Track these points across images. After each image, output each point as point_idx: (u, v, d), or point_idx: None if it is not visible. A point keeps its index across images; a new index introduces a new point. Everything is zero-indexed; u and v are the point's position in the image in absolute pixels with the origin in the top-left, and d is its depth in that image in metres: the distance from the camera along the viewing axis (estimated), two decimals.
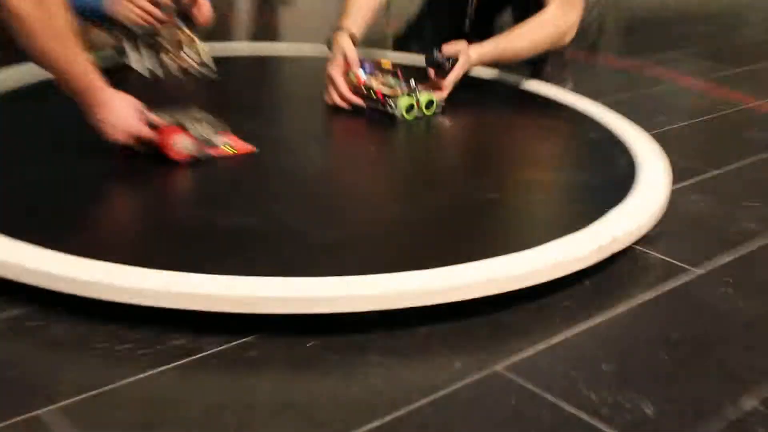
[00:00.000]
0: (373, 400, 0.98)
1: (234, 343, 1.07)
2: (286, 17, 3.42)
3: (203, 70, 2.07)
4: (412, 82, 1.87)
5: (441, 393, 1.00)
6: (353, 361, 1.06)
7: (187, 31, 2.07)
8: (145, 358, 1.03)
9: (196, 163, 1.50)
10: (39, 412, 0.92)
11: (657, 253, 1.37)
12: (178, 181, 1.48)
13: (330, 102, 1.87)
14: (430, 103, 1.86)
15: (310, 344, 1.07)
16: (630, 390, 1.02)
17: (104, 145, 1.47)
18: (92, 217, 1.31)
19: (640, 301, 1.23)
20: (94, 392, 0.96)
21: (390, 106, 1.82)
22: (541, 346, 1.10)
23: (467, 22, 2.24)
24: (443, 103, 1.89)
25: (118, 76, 1.86)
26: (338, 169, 1.58)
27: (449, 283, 1.12)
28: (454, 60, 1.90)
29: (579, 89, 2.23)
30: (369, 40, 2.82)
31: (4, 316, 1.10)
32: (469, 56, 1.92)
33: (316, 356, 1.06)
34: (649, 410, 0.98)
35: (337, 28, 1.95)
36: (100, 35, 2.17)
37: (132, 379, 0.99)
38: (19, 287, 1.11)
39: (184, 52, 2.06)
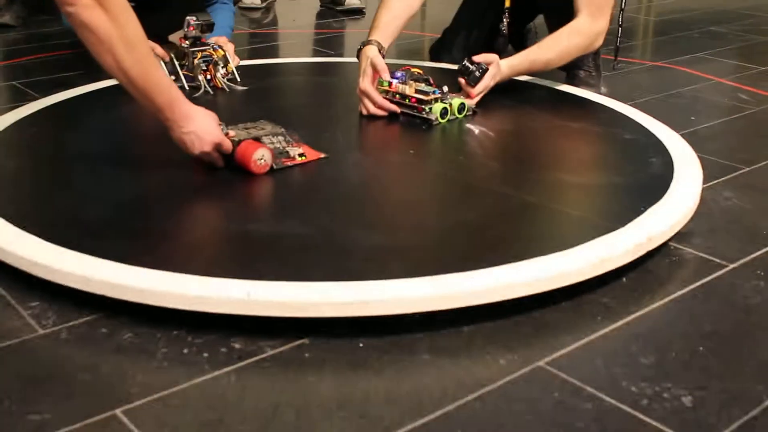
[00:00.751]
0: (424, 396, 1.04)
1: (289, 345, 1.13)
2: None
3: (232, 84, 2.16)
4: (445, 87, 1.93)
5: (487, 388, 1.05)
6: (403, 359, 1.11)
7: (217, 48, 2.16)
8: (207, 361, 1.10)
9: (272, 172, 1.58)
10: (114, 411, 0.99)
11: (691, 249, 1.42)
12: (255, 191, 1.56)
13: (366, 113, 1.93)
14: (462, 107, 1.92)
15: (362, 345, 1.13)
16: (668, 382, 1.07)
17: (180, 159, 1.56)
18: (161, 228, 1.38)
19: (676, 296, 1.28)
20: (161, 393, 1.03)
21: (425, 110, 1.89)
22: (582, 341, 1.15)
23: (501, 31, 2.29)
24: (475, 107, 1.95)
25: None
26: (382, 175, 1.64)
27: (494, 284, 1.17)
28: (484, 69, 1.96)
29: (611, 91, 2.28)
30: (405, 51, 2.89)
31: (76, 323, 1.17)
32: (500, 67, 1.99)
33: (367, 356, 1.12)
34: (687, 401, 1.03)
35: (365, 42, 2.02)
36: None
37: (196, 380, 1.06)
38: (87, 296, 1.18)
39: (213, 67, 2.14)
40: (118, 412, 0.99)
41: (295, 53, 2.97)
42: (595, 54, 2.28)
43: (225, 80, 2.16)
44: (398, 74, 1.96)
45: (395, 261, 1.25)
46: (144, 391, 1.03)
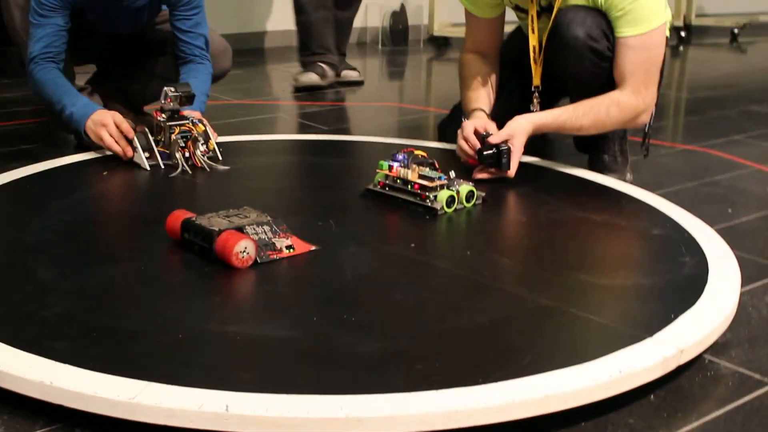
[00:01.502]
0: None
1: None
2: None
3: (212, 162, 2.18)
4: (452, 173, 1.95)
5: None
6: None
7: (197, 123, 2.19)
8: None
9: (256, 266, 1.59)
10: None
11: (728, 362, 1.42)
12: (236, 288, 1.57)
13: (463, 159, 2.19)
14: (470, 195, 1.95)
15: None
16: None
17: (153, 248, 1.58)
18: (130, 328, 1.37)
19: (710, 418, 1.27)
20: None
21: (429, 198, 1.91)
22: None
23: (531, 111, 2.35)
24: (484, 195, 1.97)
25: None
26: (379, 272, 1.64)
27: (500, 401, 1.17)
28: (507, 149, 2.03)
29: (638, 178, 2.30)
30: (407, 128, 2.94)
31: None
32: (523, 133, 2.11)
33: None
34: None
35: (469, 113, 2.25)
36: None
37: None
38: (43, 405, 1.19)
39: (192, 144, 2.17)
40: None
41: (284, 129, 3.01)
42: (622, 137, 2.32)
43: (205, 158, 2.18)
44: (400, 157, 1.98)
45: (393, 371, 1.25)
46: None
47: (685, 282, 1.58)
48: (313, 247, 1.68)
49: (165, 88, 2.19)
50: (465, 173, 2.03)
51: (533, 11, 2.26)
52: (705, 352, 1.41)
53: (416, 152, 2.01)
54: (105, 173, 2.16)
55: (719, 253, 1.70)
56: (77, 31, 2.41)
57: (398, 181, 1.97)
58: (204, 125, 2.21)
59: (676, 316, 1.42)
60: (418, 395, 1.17)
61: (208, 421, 1.13)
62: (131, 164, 2.19)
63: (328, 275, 1.60)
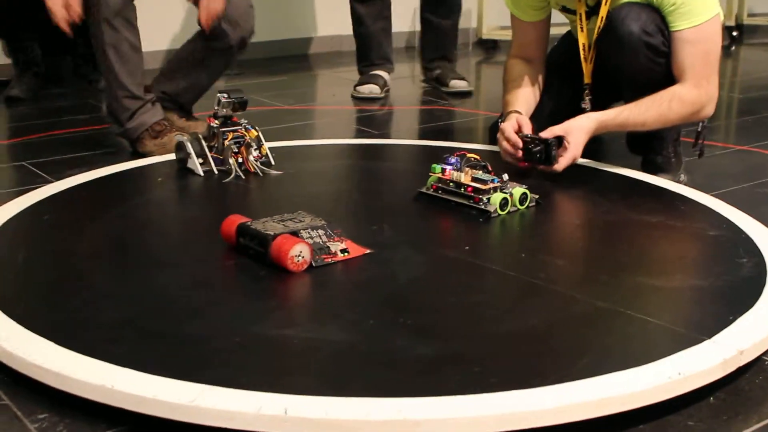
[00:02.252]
0: None
1: None
2: None
3: (265, 167, 2.20)
4: (505, 175, 1.95)
5: None
6: None
7: (249, 128, 2.21)
8: None
9: (311, 270, 1.60)
10: None
11: None
12: (291, 292, 1.59)
13: (510, 161, 2.20)
14: (524, 197, 1.94)
15: None
16: None
17: (208, 253, 1.60)
18: (186, 332, 1.39)
19: None
20: None
21: (482, 201, 1.90)
22: None
23: (583, 110, 2.34)
24: (537, 197, 1.97)
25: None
26: (434, 275, 1.64)
27: (556, 403, 1.17)
28: (553, 141, 2.03)
29: (692, 179, 2.28)
30: (459, 131, 2.94)
31: None
32: (581, 129, 2.12)
33: None
34: None
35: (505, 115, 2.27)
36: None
37: None
38: (104, 408, 1.20)
39: (245, 149, 2.19)
40: None
41: (334, 133, 3.02)
42: (675, 138, 2.31)
43: (258, 164, 2.20)
44: (452, 160, 1.98)
45: (449, 374, 1.25)
46: None
47: (743, 283, 1.56)
48: (368, 251, 1.68)
49: (218, 95, 2.21)
50: (518, 176, 2.02)
51: (582, 10, 2.25)
52: (765, 354, 1.40)
53: (469, 155, 2.01)
54: (160, 180, 2.18)
55: None
56: None
57: (451, 184, 1.96)
58: (257, 130, 2.23)
59: (734, 318, 1.41)
60: (474, 398, 1.17)
61: (267, 423, 1.13)
62: (185, 170, 2.20)
63: (383, 278, 1.61)
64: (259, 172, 2.19)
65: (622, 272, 1.63)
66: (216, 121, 2.21)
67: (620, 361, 1.27)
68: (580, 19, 2.27)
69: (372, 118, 3.27)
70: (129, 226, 1.88)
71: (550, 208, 1.97)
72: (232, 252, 1.68)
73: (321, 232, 1.67)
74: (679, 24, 2.11)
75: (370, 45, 3.71)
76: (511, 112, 2.28)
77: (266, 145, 2.25)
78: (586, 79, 2.31)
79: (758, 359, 1.39)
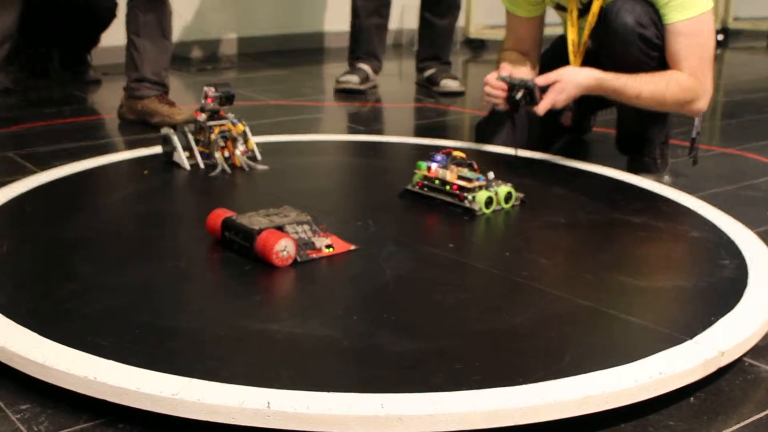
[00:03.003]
0: None
1: None
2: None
3: (251, 162, 2.19)
4: (490, 174, 1.95)
5: None
6: None
7: (236, 123, 2.21)
8: None
9: (295, 265, 1.60)
10: None
11: None
12: (276, 286, 1.58)
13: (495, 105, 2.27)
14: (509, 196, 1.94)
15: None
16: None
17: (194, 247, 1.60)
18: (170, 325, 1.38)
19: (751, 421, 1.26)
20: None
21: (467, 199, 1.91)
22: None
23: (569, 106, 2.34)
24: (522, 196, 1.97)
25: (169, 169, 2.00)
26: (418, 272, 1.64)
27: (539, 401, 1.17)
28: (532, 84, 2.13)
29: (676, 181, 2.29)
30: (444, 128, 2.94)
31: (72, 429, 1.18)
32: (574, 79, 2.14)
33: None
34: None
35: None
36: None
37: None
38: (86, 399, 1.20)
39: (232, 144, 2.18)
40: None
41: (322, 129, 3.01)
42: (663, 142, 2.32)
43: (244, 158, 2.19)
44: (438, 158, 1.98)
45: (432, 370, 1.25)
46: None
47: (725, 285, 1.57)
48: (353, 247, 1.68)
49: (205, 88, 2.21)
50: (504, 174, 2.02)
51: (574, 7, 2.26)
52: (745, 355, 1.40)
53: (455, 153, 2.01)
54: (145, 172, 2.17)
55: (759, 256, 1.69)
56: None
57: (437, 181, 1.97)
58: (244, 125, 2.22)
59: (716, 319, 1.41)
60: (457, 394, 1.17)
61: (250, 417, 1.13)
62: (171, 164, 2.20)
63: (368, 275, 1.60)
64: (245, 166, 2.19)
65: (606, 272, 1.64)
66: (203, 115, 2.20)
67: (602, 360, 1.28)
68: (570, 14, 2.27)
69: (358, 115, 3.27)
70: (114, 218, 1.88)
71: (535, 207, 1.97)
72: (217, 246, 1.68)
73: (306, 227, 1.66)
74: (673, 16, 2.13)
75: (359, 39, 3.70)
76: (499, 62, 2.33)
77: (253, 139, 2.25)
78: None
79: (739, 360, 1.39)
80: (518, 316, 1.44)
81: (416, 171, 2.00)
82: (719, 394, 1.32)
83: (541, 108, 2.13)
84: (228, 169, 2.15)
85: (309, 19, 4.89)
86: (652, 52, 2.15)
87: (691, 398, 1.30)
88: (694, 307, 1.52)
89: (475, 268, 1.67)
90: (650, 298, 1.56)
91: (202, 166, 2.18)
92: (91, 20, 3.63)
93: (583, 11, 2.26)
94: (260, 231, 1.59)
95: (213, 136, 2.17)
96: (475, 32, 5.15)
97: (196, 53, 4.49)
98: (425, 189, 1.99)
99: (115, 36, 3.97)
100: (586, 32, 2.25)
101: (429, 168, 1.98)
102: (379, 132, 2.96)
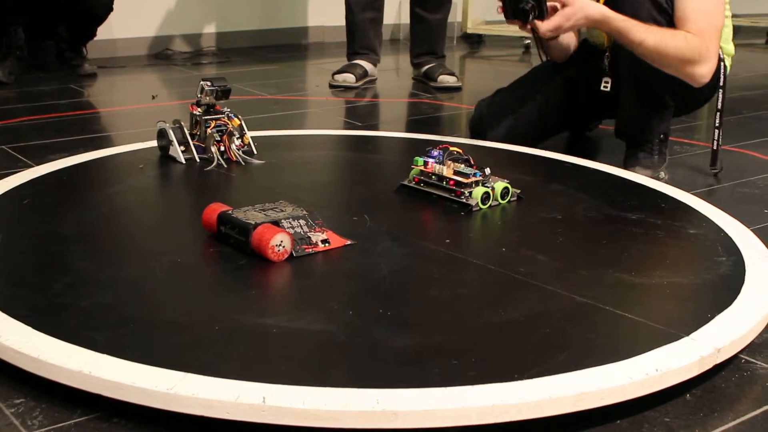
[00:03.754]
0: None
1: None
2: None
3: (247, 156, 2.20)
4: (487, 169, 1.95)
5: None
6: None
7: (232, 117, 2.21)
8: None
9: (291, 260, 1.60)
10: None
11: (765, 362, 1.41)
12: (272, 281, 1.58)
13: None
14: (505, 191, 1.94)
15: None
16: None
17: (190, 241, 1.60)
18: (166, 320, 1.38)
19: (747, 418, 1.26)
20: None
21: (464, 195, 1.91)
22: None
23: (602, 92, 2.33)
24: (519, 192, 1.97)
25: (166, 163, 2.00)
26: (415, 267, 1.64)
27: (535, 397, 1.17)
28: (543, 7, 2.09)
29: (673, 177, 2.29)
30: (441, 124, 2.94)
31: (67, 424, 1.18)
32: (582, 8, 2.11)
33: None
34: None
35: None
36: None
37: None
38: (81, 394, 1.20)
39: (228, 138, 2.19)
40: None
41: (318, 124, 3.01)
42: (662, 139, 2.31)
43: (240, 152, 2.19)
44: (435, 153, 1.99)
45: (428, 366, 1.25)
46: None
47: (722, 281, 1.57)
48: (349, 242, 1.68)
49: (201, 82, 2.21)
50: (500, 170, 2.02)
51: None
52: (741, 351, 1.41)
53: (451, 148, 2.01)
54: (141, 166, 2.17)
55: (756, 253, 1.70)
56: None
57: (433, 177, 1.97)
58: (239, 119, 2.22)
59: (713, 316, 1.41)
60: (453, 390, 1.17)
61: (245, 412, 1.13)
62: (167, 158, 2.20)
63: (364, 270, 1.61)
64: (241, 161, 2.19)
65: (602, 268, 1.64)
66: (199, 109, 2.20)
67: (599, 356, 1.28)
68: None
69: (355, 110, 3.26)
70: (109, 212, 1.87)
71: (532, 202, 1.98)
72: (212, 240, 1.68)
73: (302, 222, 1.66)
74: None
75: (354, 34, 3.70)
76: None
77: (249, 134, 2.25)
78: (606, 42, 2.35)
79: (735, 357, 1.39)
80: (514, 312, 1.44)
81: (413, 166, 2.00)
82: (715, 391, 1.32)
83: (545, 27, 2.12)
84: (224, 164, 2.16)
85: (303, 14, 4.89)
86: (659, 16, 2.14)
87: (687, 395, 1.30)
88: (691, 303, 1.52)
89: (471, 263, 1.67)
90: (647, 294, 1.56)
91: (197, 160, 2.18)
92: (88, 14, 3.63)
93: None
94: (256, 225, 1.59)
95: (209, 131, 2.17)
96: (472, 27, 5.15)
97: (182, 47, 4.47)
98: (422, 184, 1.99)
99: (110, 29, 3.97)
100: None
101: (426, 163, 1.98)
102: (376, 127, 2.96)
